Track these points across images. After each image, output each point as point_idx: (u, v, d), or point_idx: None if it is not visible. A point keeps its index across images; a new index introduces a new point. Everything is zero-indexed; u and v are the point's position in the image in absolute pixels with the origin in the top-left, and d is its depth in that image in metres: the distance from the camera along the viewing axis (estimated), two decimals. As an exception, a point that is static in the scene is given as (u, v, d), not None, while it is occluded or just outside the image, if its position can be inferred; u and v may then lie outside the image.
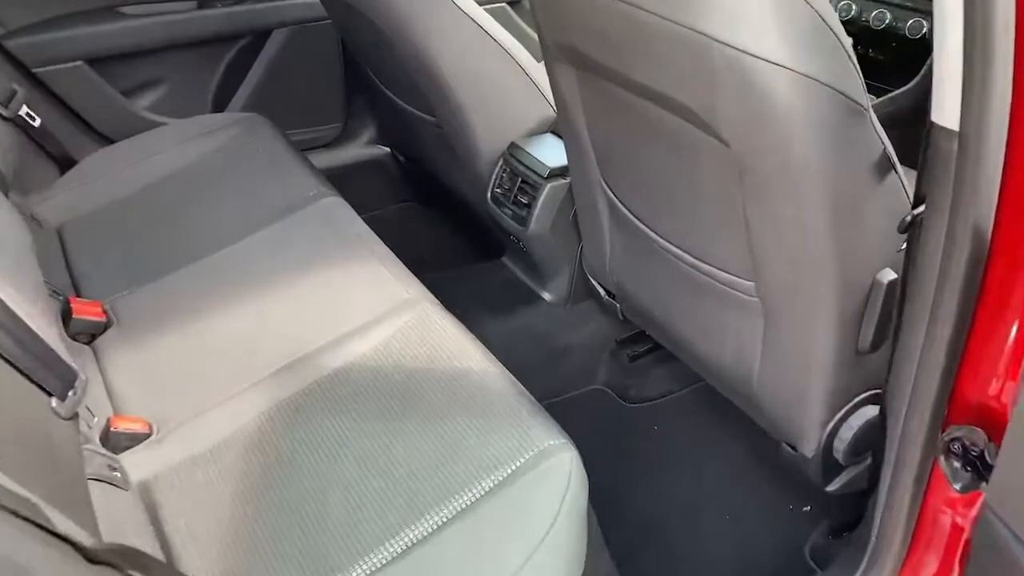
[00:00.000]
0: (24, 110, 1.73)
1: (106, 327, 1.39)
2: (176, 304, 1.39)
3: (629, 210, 1.28)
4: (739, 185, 0.97)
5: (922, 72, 1.62)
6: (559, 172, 1.52)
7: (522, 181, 1.55)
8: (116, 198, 1.66)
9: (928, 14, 1.65)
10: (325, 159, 2.21)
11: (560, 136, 1.54)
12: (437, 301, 1.32)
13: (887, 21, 1.71)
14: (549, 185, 1.53)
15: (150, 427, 1.19)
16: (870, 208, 0.95)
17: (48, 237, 1.60)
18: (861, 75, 0.87)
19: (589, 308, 1.69)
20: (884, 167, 0.93)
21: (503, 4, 2.16)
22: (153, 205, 1.62)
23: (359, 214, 2.15)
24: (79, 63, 1.81)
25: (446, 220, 2.14)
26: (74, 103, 1.85)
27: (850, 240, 0.96)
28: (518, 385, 1.14)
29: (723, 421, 1.52)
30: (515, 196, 1.57)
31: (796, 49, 0.83)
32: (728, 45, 0.84)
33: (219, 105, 2.04)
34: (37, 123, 1.74)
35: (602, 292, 1.50)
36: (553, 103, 1.37)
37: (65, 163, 1.82)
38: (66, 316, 1.34)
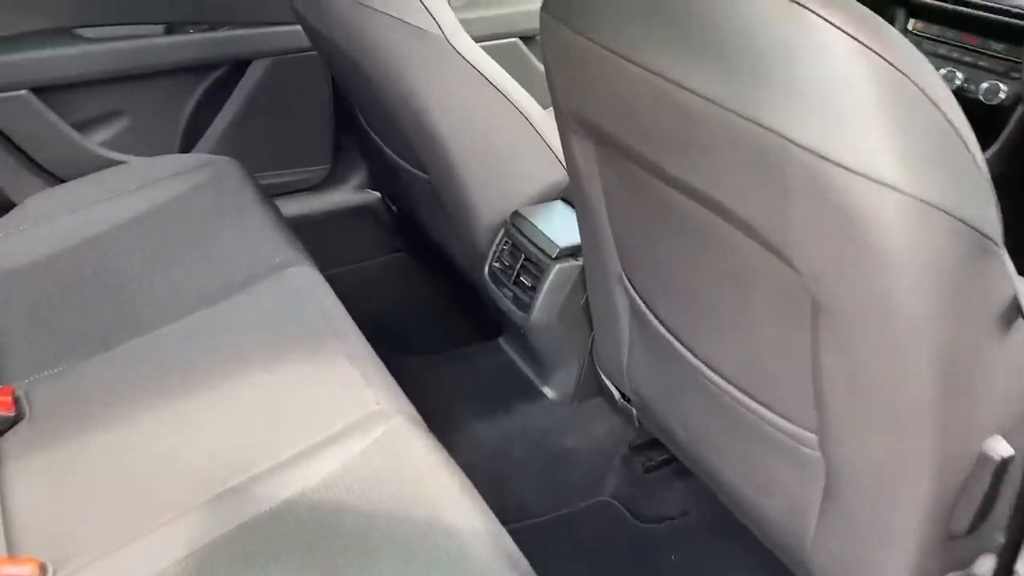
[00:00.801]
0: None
1: (15, 420, 1.16)
2: (100, 397, 1.15)
3: (655, 314, 1.04)
4: (809, 321, 0.73)
5: (1000, 142, 1.39)
6: (570, 252, 1.28)
7: (526, 259, 1.31)
8: (51, 251, 1.42)
9: (1006, 76, 1.42)
10: (309, 204, 1.97)
11: (573, 205, 1.31)
12: (414, 413, 1.08)
13: (957, 83, 1.48)
14: (558, 267, 1.28)
15: (44, 570, 0.95)
16: (987, 366, 0.71)
17: (-32, 298, 1.37)
18: (996, 199, 0.63)
19: (598, 406, 1.44)
20: (1010, 316, 0.69)
21: (514, 39, 1.93)
22: (90, 263, 1.39)
23: (344, 265, 1.91)
24: (23, 92, 1.58)
25: (439, 280, 1.90)
26: (16, 137, 1.61)
27: (957, 405, 0.72)
28: (513, 551, 0.90)
29: (755, 552, 1.27)
30: (517, 275, 1.33)
31: (912, 164, 0.59)
32: (812, 151, 0.61)
33: (188, 142, 1.81)
34: (-34, 161, 1.51)
35: (616, 394, 1.25)
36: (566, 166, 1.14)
37: (2, 206, 1.59)
38: (-35, 408, 1.11)
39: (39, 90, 1.60)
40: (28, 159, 1.66)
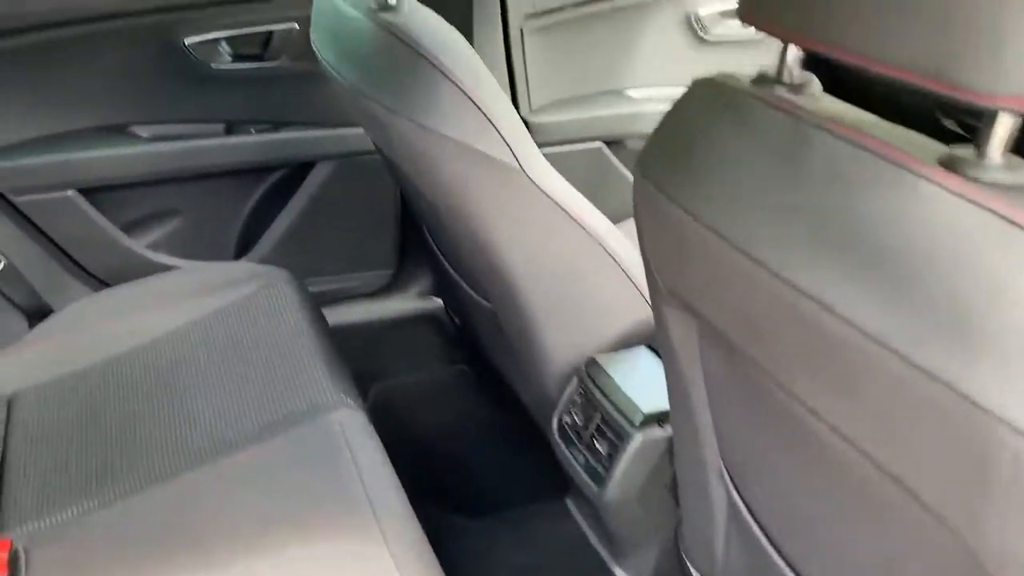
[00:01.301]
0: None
1: (9, 583, 1.01)
2: (103, 559, 1.01)
3: (760, 526, 0.84)
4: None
5: None
6: (656, 418, 1.08)
7: (603, 419, 1.12)
8: (74, 368, 1.29)
9: None
10: (369, 311, 1.84)
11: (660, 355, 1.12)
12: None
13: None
14: (641, 437, 1.07)
15: None
16: None
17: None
18: None
19: (680, 592, 1.23)
20: None
21: (598, 144, 1.77)
22: (112, 388, 1.25)
23: (402, 377, 1.76)
24: (69, 193, 1.48)
25: (502, 408, 1.71)
26: (60, 239, 1.52)
27: None
28: None
29: None
30: (591, 438, 1.13)
31: None
32: (1033, 437, 0.41)
33: (244, 246, 1.70)
34: (1, 264, 1.41)
35: (703, 588, 1.04)
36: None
37: (38, 313, 1.49)
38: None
39: (87, 191, 1.51)
40: (73, 262, 1.56)
